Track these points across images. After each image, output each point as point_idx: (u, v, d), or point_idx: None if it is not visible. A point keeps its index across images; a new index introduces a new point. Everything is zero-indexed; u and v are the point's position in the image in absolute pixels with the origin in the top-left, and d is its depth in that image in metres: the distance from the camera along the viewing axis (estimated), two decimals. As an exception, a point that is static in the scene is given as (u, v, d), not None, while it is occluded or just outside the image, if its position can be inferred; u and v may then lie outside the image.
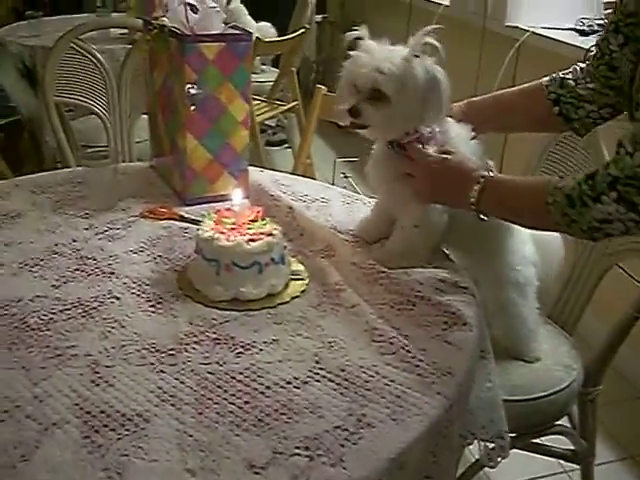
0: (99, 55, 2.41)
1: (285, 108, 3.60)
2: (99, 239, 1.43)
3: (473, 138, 1.36)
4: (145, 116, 2.60)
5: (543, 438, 1.70)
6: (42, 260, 1.34)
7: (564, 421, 1.71)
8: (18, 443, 0.89)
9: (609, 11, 1.41)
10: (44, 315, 1.16)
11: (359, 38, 1.29)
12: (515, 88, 1.52)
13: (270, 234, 1.24)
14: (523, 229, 1.42)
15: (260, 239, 1.22)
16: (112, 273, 1.30)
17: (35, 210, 1.54)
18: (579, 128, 1.39)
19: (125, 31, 3.11)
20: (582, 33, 2.51)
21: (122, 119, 2.44)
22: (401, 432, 0.95)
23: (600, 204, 1.08)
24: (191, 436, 0.92)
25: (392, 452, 0.91)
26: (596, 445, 1.75)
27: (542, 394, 1.54)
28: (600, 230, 1.11)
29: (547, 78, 1.43)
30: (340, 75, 1.32)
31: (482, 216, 1.25)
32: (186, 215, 1.53)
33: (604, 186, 1.07)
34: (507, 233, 1.42)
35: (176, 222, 1.51)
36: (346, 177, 3.17)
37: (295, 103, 3.68)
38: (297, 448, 0.90)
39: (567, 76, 1.40)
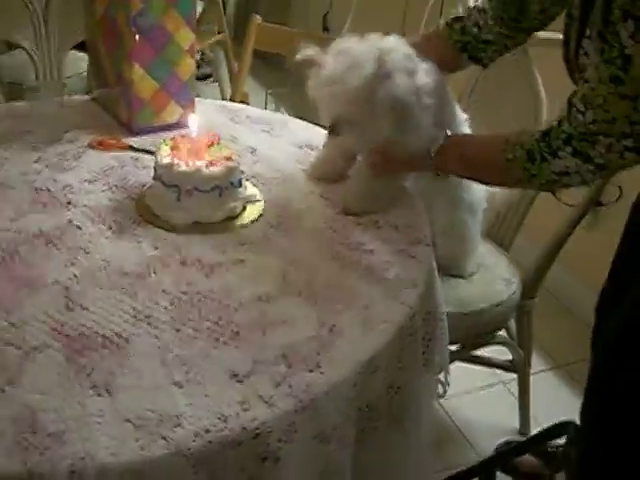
0: (24, -12, 2.32)
1: (212, 40, 3.55)
2: (50, 171, 1.41)
3: None
4: (73, 51, 2.56)
5: (482, 350, 1.82)
6: (-5, 194, 1.32)
7: (502, 333, 1.83)
8: (2, 368, 0.91)
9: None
10: (6, 247, 1.16)
11: (311, 60, 1.28)
12: (417, 36, 1.53)
13: (229, 158, 1.26)
14: None
15: (219, 163, 1.24)
16: (69, 203, 1.30)
17: (-22, 145, 1.51)
18: (486, 63, 1.45)
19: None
20: None
21: (51, 53, 2.38)
22: (371, 338, 1.01)
23: (558, 159, 1.14)
24: (172, 352, 0.95)
25: (364, 356, 0.97)
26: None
27: (485, 305, 1.64)
28: (558, 182, 1.18)
29: (442, 28, 1.45)
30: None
31: (440, 173, 1.31)
32: (135, 145, 1.53)
33: (559, 142, 1.14)
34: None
35: (126, 152, 1.50)
36: (278, 110, 3.17)
37: (222, 35, 3.63)
38: (275, 357, 0.95)
39: (467, 22, 1.41)
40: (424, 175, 1.41)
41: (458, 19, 1.43)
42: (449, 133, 1.30)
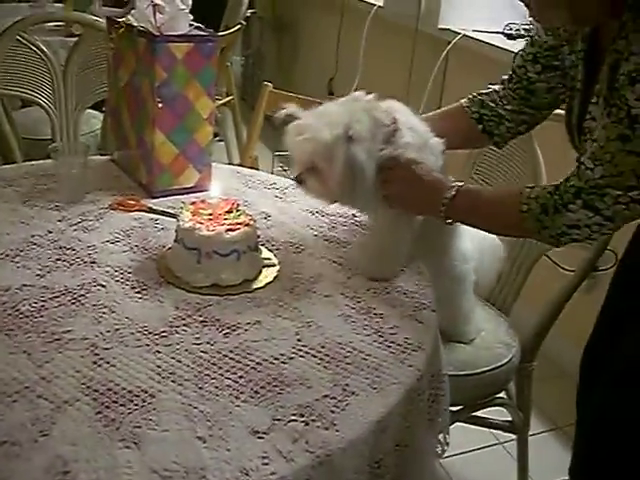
0: (45, 48, 2.43)
1: (221, 102, 3.67)
2: (74, 230, 1.48)
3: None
4: (90, 110, 2.67)
5: (481, 411, 1.87)
6: (22, 251, 1.39)
7: (502, 395, 1.88)
8: (35, 420, 0.96)
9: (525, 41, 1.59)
10: (35, 302, 1.22)
11: (290, 115, 1.38)
12: (436, 112, 1.67)
13: (247, 224, 1.33)
14: (464, 231, 1.57)
15: (238, 229, 1.32)
16: (93, 262, 1.37)
17: (4, 203, 1.58)
18: (499, 142, 1.58)
19: (60, 22, 3.12)
20: (509, 37, 2.68)
21: (68, 112, 2.48)
22: (382, 399, 1.07)
23: (569, 212, 1.23)
24: (196, 408, 1.01)
25: (376, 416, 1.03)
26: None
27: (486, 369, 1.70)
28: (568, 235, 1.26)
29: (464, 100, 1.60)
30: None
31: (449, 221, 1.38)
32: (154, 207, 1.60)
33: (569, 196, 1.23)
34: (451, 234, 1.55)
35: (145, 213, 1.58)
36: (285, 170, 3.27)
37: (230, 97, 3.76)
38: (293, 415, 1.01)
39: (486, 98, 1.56)
40: (418, 250, 1.49)
41: (479, 94, 1.57)
42: (461, 183, 1.38)
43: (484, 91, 1.58)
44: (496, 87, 1.57)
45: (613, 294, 1.48)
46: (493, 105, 1.55)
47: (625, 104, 1.15)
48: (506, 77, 1.55)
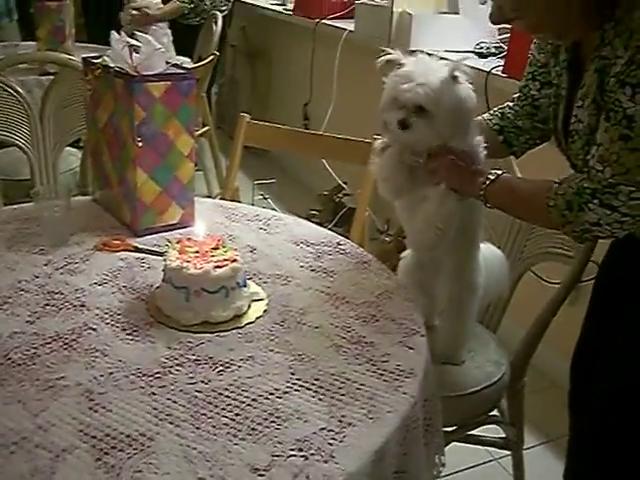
0: (19, 88, 2.44)
1: (198, 133, 3.68)
2: (61, 274, 1.49)
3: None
4: (68, 148, 2.67)
5: (476, 430, 1.88)
6: (10, 298, 1.38)
7: (494, 412, 1.89)
8: (34, 471, 0.96)
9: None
10: (27, 350, 1.22)
11: (391, 61, 1.46)
12: None
13: (234, 260, 1.34)
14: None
15: (225, 265, 1.33)
16: (82, 306, 1.37)
17: (-12, 249, 1.58)
18: (517, 152, 1.68)
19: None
20: (481, 55, 2.73)
21: (47, 152, 2.48)
22: (378, 428, 1.08)
23: (590, 211, 1.30)
24: (195, 449, 1.01)
25: (374, 445, 1.04)
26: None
27: (477, 388, 1.71)
28: (590, 232, 1.33)
29: (485, 115, 1.69)
30: (384, 89, 1.48)
31: (488, 205, 1.46)
32: (140, 246, 1.61)
33: (587, 197, 1.30)
34: (478, 235, 1.62)
35: (131, 253, 1.59)
36: (265, 199, 3.29)
37: (207, 128, 3.77)
38: (292, 450, 1.02)
39: (505, 111, 1.66)
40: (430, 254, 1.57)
41: (500, 108, 1.67)
42: (503, 171, 1.46)
43: (502, 106, 1.68)
44: (510, 104, 1.67)
45: (598, 294, 1.58)
46: (512, 117, 1.64)
47: (620, 106, 1.24)
48: (516, 95, 1.65)
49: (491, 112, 1.68)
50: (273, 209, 3.02)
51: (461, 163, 1.46)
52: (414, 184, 1.51)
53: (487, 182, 1.44)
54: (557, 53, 1.47)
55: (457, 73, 1.41)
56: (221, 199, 2.12)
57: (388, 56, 1.47)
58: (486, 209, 1.51)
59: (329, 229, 1.83)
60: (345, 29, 3.42)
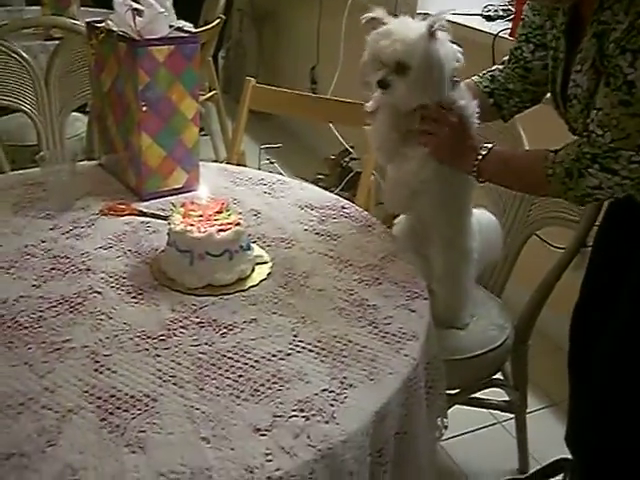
0: (24, 54, 2.43)
1: (204, 97, 3.67)
2: (66, 238, 1.50)
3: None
4: (74, 113, 2.67)
5: (479, 393, 1.89)
6: (16, 262, 1.40)
7: (498, 375, 1.90)
8: (41, 430, 0.98)
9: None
10: (33, 313, 1.24)
11: (375, 18, 1.45)
12: None
13: (237, 224, 1.35)
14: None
15: (229, 229, 1.33)
16: (88, 269, 1.38)
17: (-6, 214, 1.59)
18: (506, 115, 1.66)
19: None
20: (488, 18, 2.69)
21: (52, 117, 2.48)
22: (379, 390, 1.09)
23: (590, 176, 1.30)
24: (198, 409, 1.03)
25: (374, 407, 1.06)
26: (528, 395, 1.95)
27: (480, 352, 1.72)
28: (592, 195, 1.34)
29: (475, 77, 1.66)
30: (365, 50, 1.47)
31: (481, 180, 1.47)
32: (145, 210, 1.62)
33: (587, 162, 1.30)
34: (468, 200, 1.61)
35: (136, 217, 1.59)
36: (271, 163, 3.29)
37: (214, 92, 3.76)
38: (293, 410, 1.03)
39: (496, 73, 1.64)
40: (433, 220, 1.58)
41: (490, 71, 1.65)
42: (494, 144, 1.46)
43: (491, 69, 1.66)
44: (500, 67, 1.65)
45: (598, 253, 1.61)
46: (502, 80, 1.63)
47: (620, 72, 1.23)
48: (506, 58, 1.63)
49: (480, 74, 1.67)
50: (280, 173, 3.02)
51: (453, 138, 1.46)
52: (406, 148, 1.51)
53: (479, 158, 1.44)
54: (554, 16, 1.45)
55: (435, 28, 1.39)
56: (227, 163, 2.12)
57: (371, 14, 1.46)
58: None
59: (336, 194, 1.83)
60: (352, -8, 3.37)
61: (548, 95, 1.55)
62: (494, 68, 1.66)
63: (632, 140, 1.25)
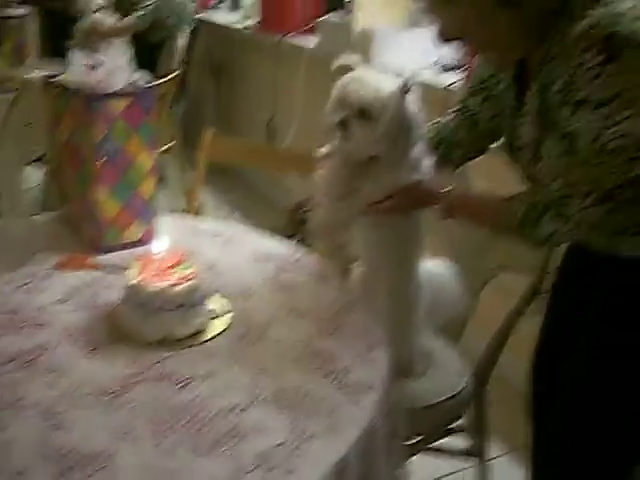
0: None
1: (163, 148, 3.68)
2: (22, 293, 1.48)
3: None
4: (32, 165, 2.66)
5: (440, 441, 1.89)
6: (-31, 318, 1.38)
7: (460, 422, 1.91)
8: (-7, 491, 0.96)
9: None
10: (-13, 369, 1.22)
11: (345, 66, 1.48)
12: None
13: (192, 278, 1.35)
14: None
15: (184, 282, 1.33)
16: (43, 324, 1.36)
17: (-53, 270, 1.57)
18: (454, 167, 1.67)
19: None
20: (442, 69, 2.76)
21: (9, 169, 2.47)
22: (339, 441, 1.09)
23: (545, 223, 1.33)
24: (156, 465, 1.01)
25: (335, 458, 1.05)
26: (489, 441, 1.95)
27: (439, 400, 1.72)
28: (548, 241, 1.39)
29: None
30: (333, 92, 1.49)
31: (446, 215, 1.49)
32: (101, 263, 1.60)
33: (540, 211, 1.33)
34: (413, 254, 1.62)
35: (93, 271, 1.58)
36: (230, 213, 3.30)
37: (173, 143, 3.77)
38: (253, 464, 1.02)
39: (442, 123, 1.66)
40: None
41: (434, 122, 1.67)
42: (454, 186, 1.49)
43: (435, 121, 1.68)
44: (447, 118, 1.67)
45: (556, 299, 1.63)
46: (449, 133, 1.65)
47: (562, 124, 1.26)
48: (455, 108, 1.65)
49: (426, 127, 1.67)
50: (238, 224, 3.03)
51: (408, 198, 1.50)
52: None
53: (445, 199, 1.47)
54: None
55: (408, 87, 1.42)
56: (186, 214, 2.13)
57: (343, 60, 1.49)
58: (424, 230, 1.56)
59: (294, 243, 1.84)
60: (307, 46, 3.43)
61: (493, 145, 1.60)
62: (438, 120, 1.68)
63: (579, 188, 1.28)
